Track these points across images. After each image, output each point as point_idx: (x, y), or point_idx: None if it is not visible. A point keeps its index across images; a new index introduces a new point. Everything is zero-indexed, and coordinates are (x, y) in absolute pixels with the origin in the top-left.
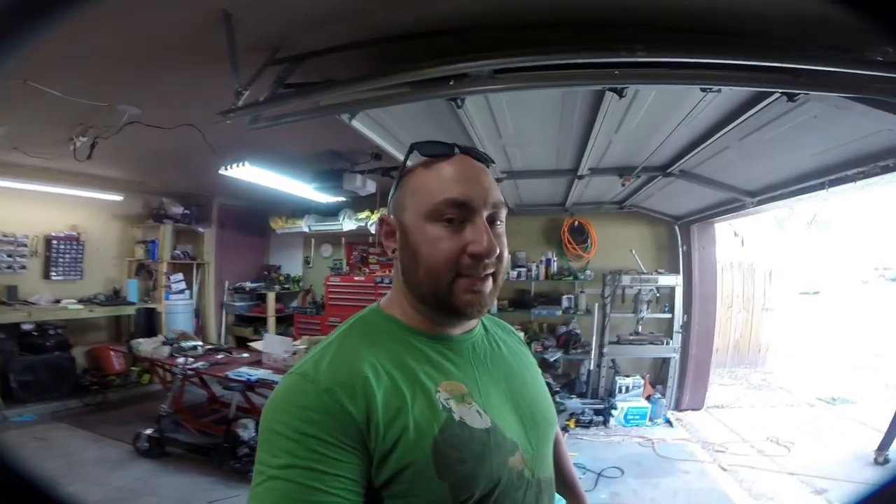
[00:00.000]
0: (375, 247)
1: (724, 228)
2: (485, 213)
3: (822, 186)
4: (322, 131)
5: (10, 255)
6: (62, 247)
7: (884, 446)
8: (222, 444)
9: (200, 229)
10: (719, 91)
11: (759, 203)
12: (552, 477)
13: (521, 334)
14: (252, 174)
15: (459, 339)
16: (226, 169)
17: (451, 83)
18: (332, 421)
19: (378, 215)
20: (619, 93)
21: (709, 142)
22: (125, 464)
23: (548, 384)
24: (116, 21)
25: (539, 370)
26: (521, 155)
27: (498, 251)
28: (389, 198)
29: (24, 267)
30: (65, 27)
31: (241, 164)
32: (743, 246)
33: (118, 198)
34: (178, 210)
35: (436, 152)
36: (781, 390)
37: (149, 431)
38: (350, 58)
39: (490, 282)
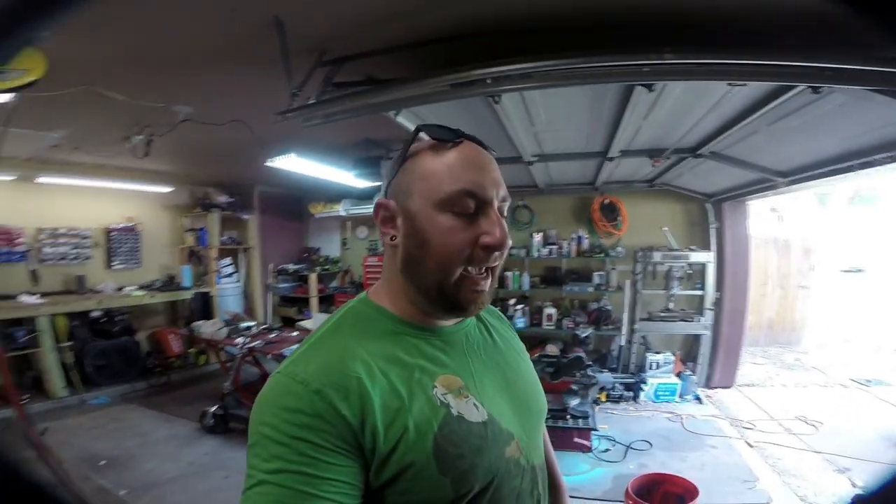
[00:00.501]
0: None
1: (760, 205)
2: (496, 204)
3: (850, 169)
4: (360, 122)
5: (76, 248)
6: (120, 237)
7: None
8: None
9: (244, 216)
10: (745, 84)
11: (791, 183)
12: (543, 463)
13: (553, 309)
14: (297, 164)
15: (452, 330)
16: (272, 161)
17: (489, 81)
18: (323, 424)
19: None
20: (650, 87)
21: (736, 127)
22: (193, 440)
23: (580, 357)
24: (174, 28)
25: (528, 356)
26: (552, 140)
27: (510, 243)
28: (388, 181)
29: (88, 258)
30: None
31: (287, 155)
32: (781, 222)
33: (168, 189)
34: (222, 199)
35: (445, 137)
36: (815, 370)
37: (213, 409)
38: (391, 58)
39: (490, 279)
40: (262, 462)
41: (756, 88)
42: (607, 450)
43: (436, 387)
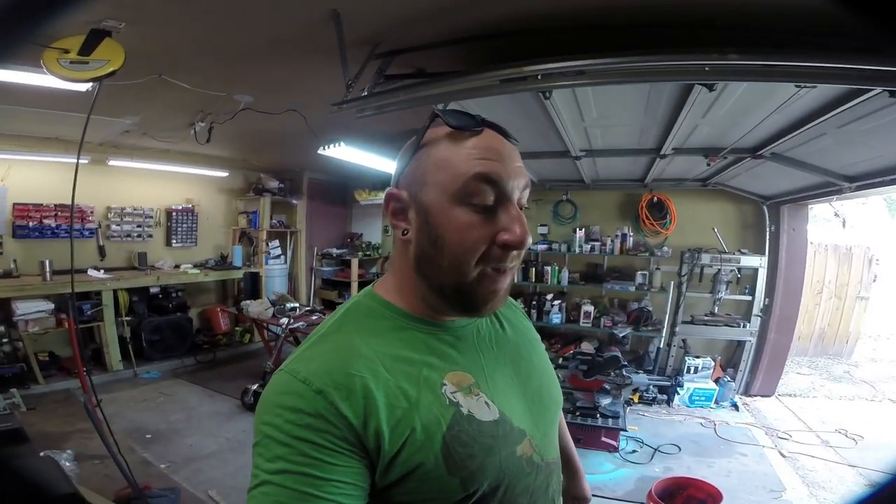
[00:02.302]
0: None
1: (823, 209)
2: (516, 197)
3: None
4: (407, 113)
5: (139, 226)
6: (180, 217)
7: None
8: None
9: (293, 201)
10: (814, 87)
11: (859, 189)
12: (559, 458)
13: (591, 307)
14: (346, 153)
15: (463, 324)
16: (324, 149)
17: (539, 77)
18: (325, 424)
19: None
20: (710, 87)
21: (802, 129)
22: (234, 417)
23: (615, 357)
24: (237, 20)
25: (542, 346)
26: (602, 135)
27: (530, 241)
28: (399, 169)
29: (150, 236)
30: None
31: (337, 144)
32: (844, 228)
33: (224, 174)
34: (273, 184)
35: (463, 124)
36: (863, 384)
37: (255, 387)
38: (441, 52)
39: (509, 277)
40: (266, 462)
41: (827, 90)
42: (634, 451)
43: (445, 385)
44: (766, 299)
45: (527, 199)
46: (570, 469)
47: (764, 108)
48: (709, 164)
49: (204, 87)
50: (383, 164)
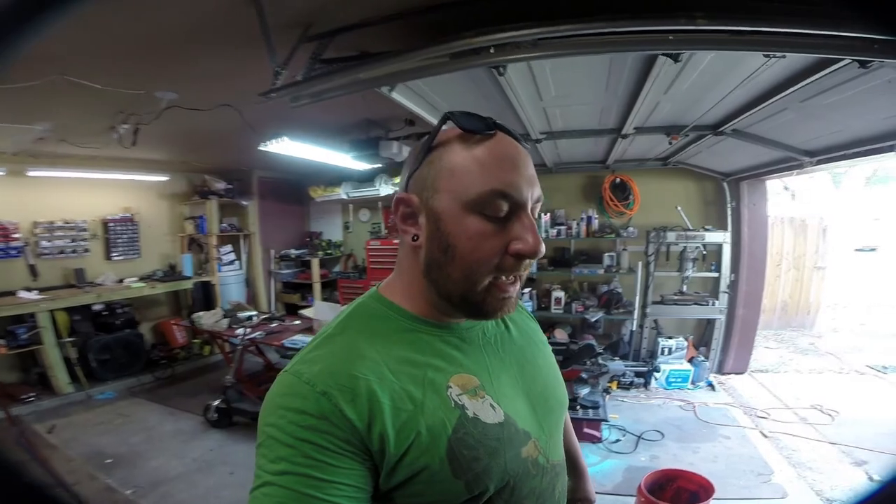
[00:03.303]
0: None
1: (773, 183)
2: (529, 206)
3: (890, 149)
4: (357, 102)
5: (73, 240)
6: (119, 228)
7: None
8: None
9: (244, 202)
10: (783, 56)
11: (819, 163)
12: (564, 458)
13: (562, 292)
14: (291, 148)
15: (468, 326)
16: (265, 145)
17: (493, 51)
18: (329, 426)
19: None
20: (675, 58)
21: (766, 104)
22: (198, 435)
23: (590, 345)
24: (145, 10)
25: (549, 347)
26: (562, 116)
27: (543, 250)
28: (409, 172)
29: (87, 250)
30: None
31: (279, 139)
32: (794, 200)
33: (164, 178)
34: (220, 185)
35: (476, 127)
36: (830, 356)
37: (216, 403)
38: (385, 29)
39: (518, 284)
40: (269, 463)
41: (794, 61)
42: (618, 440)
43: (450, 387)
44: (732, 275)
45: (540, 208)
46: (575, 471)
47: (728, 82)
48: (671, 143)
49: (119, 86)
50: (336, 158)
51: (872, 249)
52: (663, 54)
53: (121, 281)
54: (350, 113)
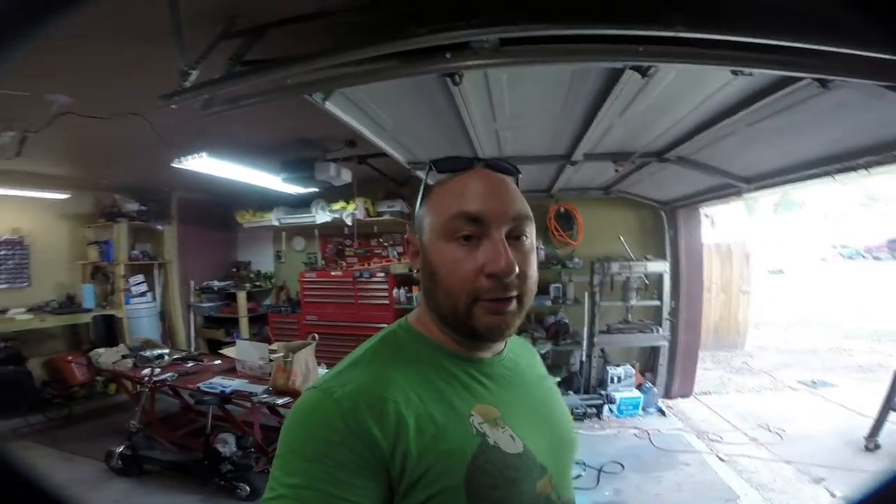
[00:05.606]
0: (353, 239)
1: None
2: (504, 229)
3: (827, 174)
4: (289, 117)
5: None
6: (4, 252)
7: (873, 433)
8: (202, 461)
9: (159, 227)
10: (751, 74)
11: (757, 189)
12: (574, 499)
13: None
14: (211, 166)
15: (490, 362)
16: (179, 161)
17: (449, 56)
18: (354, 444)
19: (353, 206)
20: (643, 72)
21: (715, 127)
22: (100, 484)
23: None
24: None
25: (558, 390)
26: (513, 139)
27: (518, 269)
28: (415, 216)
29: None
30: None
31: (197, 155)
32: (713, 228)
33: (63, 196)
34: (133, 207)
35: (452, 167)
36: (763, 374)
37: (121, 449)
38: (324, 27)
39: (514, 303)
40: (285, 475)
41: (751, 82)
42: (579, 475)
43: (472, 415)
44: (673, 302)
45: (529, 229)
46: None
47: (685, 103)
48: (617, 171)
49: None
50: (264, 179)
51: (780, 272)
52: (632, 67)
53: (3, 312)
54: (281, 129)
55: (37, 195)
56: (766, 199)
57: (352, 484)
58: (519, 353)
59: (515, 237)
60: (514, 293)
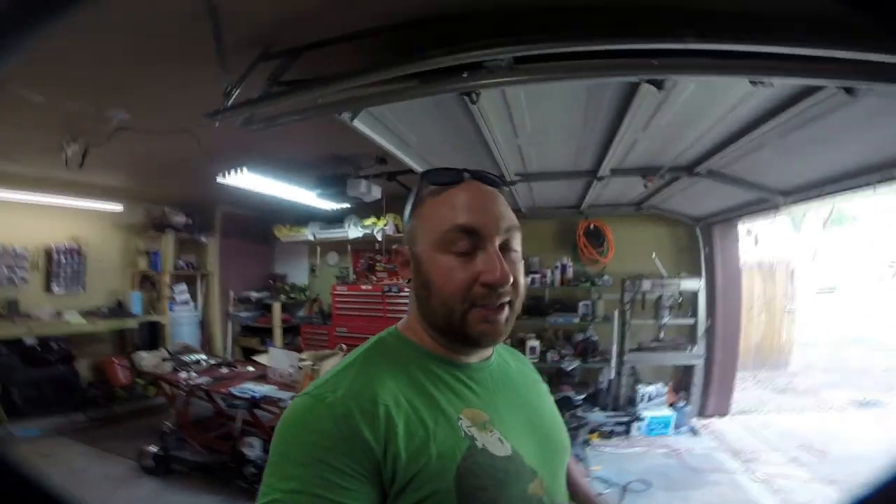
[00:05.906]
0: (382, 254)
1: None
2: (497, 241)
3: (868, 184)
4: (323, 135)
5: (8, 268)
6: (63, 259)
7: None
8: (228, 464)
9: (203, 239)
10: (771, 85)
11: (794, 202)
12: (566, 502)
13: (537, 342)
14: (251, 181)
15: (477, 367)
16: (223, 176)
17: (465, 75)
18: (347, 448)
19: (383, 222)
20: (659, 85)
21: (744, 139)
22: (130, 482)
23: (567, 397)
24: (95, 20)
25: (552, 398)
26: (537, 155)
27: (512, 279)
28: (405, 228)
29: (24, 280)
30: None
31: (238, 170)
32: (756, 245)
33: (118, 207)
34: (180, 219)
35: (444, 180)
36: (807, 393)
37: (153, 449)
38: (352, 50)
39: (506, 310)
40: (279, 480)
41: (775, 93)
42: (602, 493)
43: (461, 419)
44: (709, 320)
45: (517, 240)
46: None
47: (709, 116)
48: (646, 186)
49: (65, 101)
50: (300, 195)
51: (832, 290)
52: (647, 81)
53: (59, 315)
54: (316, 146)
55: (95, 206)
56: (813, 214)
57: (346, 488)
58: (507, 359)
59: (505, 248)
60: (507, 299)
